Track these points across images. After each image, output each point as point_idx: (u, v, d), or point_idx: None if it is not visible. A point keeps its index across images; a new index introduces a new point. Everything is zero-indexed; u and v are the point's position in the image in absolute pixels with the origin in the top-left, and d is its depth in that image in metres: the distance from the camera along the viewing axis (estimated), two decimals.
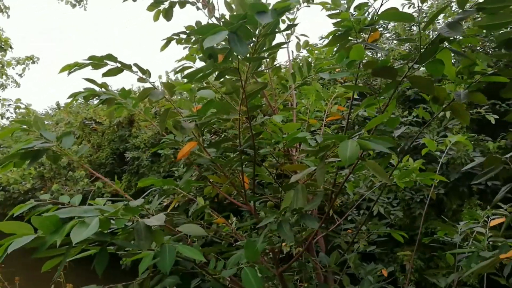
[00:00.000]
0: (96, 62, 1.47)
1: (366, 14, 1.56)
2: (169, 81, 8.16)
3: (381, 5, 1.49)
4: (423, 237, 2.84)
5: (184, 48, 2.61)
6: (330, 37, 1.48)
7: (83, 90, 1.85)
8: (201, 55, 2.50)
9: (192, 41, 2.54)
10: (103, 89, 1.87)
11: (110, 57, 1.46)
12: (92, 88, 1.84)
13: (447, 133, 4.58)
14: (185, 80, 1.42)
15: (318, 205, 1.25)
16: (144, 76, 1.56)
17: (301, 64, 2.06)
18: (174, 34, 2.48)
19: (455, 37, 1.21)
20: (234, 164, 1.62)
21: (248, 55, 1.28)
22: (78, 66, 1.49)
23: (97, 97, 1.87)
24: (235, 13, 1.41)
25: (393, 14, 1.15)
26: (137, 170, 7.35)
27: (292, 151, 2.10)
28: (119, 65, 1.49)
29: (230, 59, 1.25)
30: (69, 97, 1.88)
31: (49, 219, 0.92)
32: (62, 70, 1.49)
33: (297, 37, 2.60)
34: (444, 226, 2.13)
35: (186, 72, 2.39)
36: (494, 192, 4.60)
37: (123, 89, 1.93)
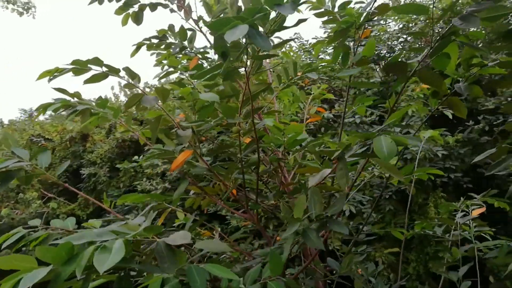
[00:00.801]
0: (79, 67, 1.31)
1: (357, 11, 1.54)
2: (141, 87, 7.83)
3: (375, 1, 1.47)
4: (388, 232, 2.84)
5: (152, 54, 2.48)
6: (329, 34, 1.43)
7: (53, 101, 1.68)
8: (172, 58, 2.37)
9: (162, 47, 2.41)
10: (75, 99, 1.70)
11: (96, 61, 1.31)
12: (64, 98, 1.66)
13: (409, 130, 4.74)
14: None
15: (340, 209, 1.19)
16: (133, 82, 1.43)
17: (287, 66, 2.00)
18: (145, 39, 2.34)
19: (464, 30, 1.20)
20: (235, 171, 1.52)
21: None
22: (59, 72, 1.33)
23: (70, 108, 1.71)
24: (240, 8, 1.32)
25: (408, 6, 1.12)
26: (94, 187, 6.94)
27: (277, 154, 2.03)
28: (105, 69, 1.35)
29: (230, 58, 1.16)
30: (37, 109, 1.70)
31: (63, 248, 0.78)
32: (41, 76, 1.32)
33: (271, 40, 2.54)
34: (443, 220, 2.14)
35: (166, 76, 2.25)
36: (456, 184, 4.82)
37: (100, 97, 1.77)
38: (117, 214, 1.66)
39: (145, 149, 6.42)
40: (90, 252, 0.78)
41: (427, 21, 5.03)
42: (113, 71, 1.36)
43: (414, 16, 5.81)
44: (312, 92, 2.83)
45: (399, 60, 1.24)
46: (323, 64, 2.32)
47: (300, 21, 1.17)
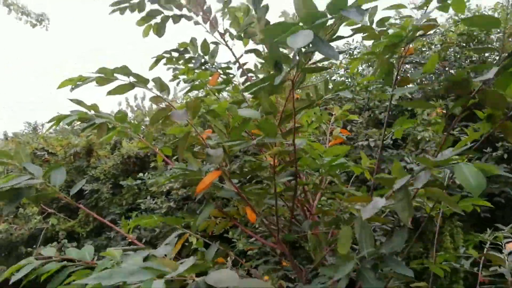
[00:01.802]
0: (104, 75, 1.19)
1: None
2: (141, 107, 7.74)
3: (428, 14, 1.36)
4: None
5: (168, 69, 2.37)
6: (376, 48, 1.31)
7: (69, 113, 1.55)
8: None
9: (181, 62, 2.31)
10: (93, 112, 1.58)
11: (124, 69, 1.18)
12: (81, 110, 1.54)
13: (425, 155, 4.58)
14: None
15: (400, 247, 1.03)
16: (161, 94, 1.30)
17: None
18: (165, 52, 2.23)
19: None
20: (268, 197, 1.38)
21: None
22: (82, 80, 1.20)
23: (87, 121, 1.58)
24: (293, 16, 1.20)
25: (478, 18, 1.00)
26: (96, 204, 6.75)
27: (301, 178, 1.88)
28: (133, 79, 1.22)
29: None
30: (51, 120, 1.58)
31: None
32: (62, 85, 1.20)
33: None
34: (489, 255, 1.97)
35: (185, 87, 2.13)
36: (471, 212, 4.63)
37: (119, 111, 1.65)
38: (134, 240, 1.50)
39: (151, 167, 6.27)
40: None
41: (443, 45, 4.96)
42: (142, 81, 1.23)
43: (428, 41, 5.75)
44: (333, 113, 2.71)
45: (463, 77, 1.11)
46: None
47: (356, 31, 1.04)
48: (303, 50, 0.95)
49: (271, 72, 0.90)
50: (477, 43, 5.63)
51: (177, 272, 0.71)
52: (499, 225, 2.65)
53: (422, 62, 1.38)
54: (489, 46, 4.60)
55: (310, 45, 0.82)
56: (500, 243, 2.47)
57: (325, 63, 1.29)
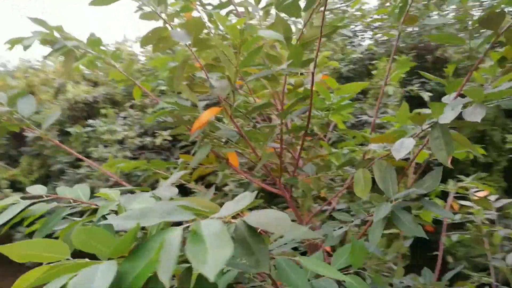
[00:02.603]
0: None
1: None
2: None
3: None
4: None
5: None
6: None
7: (31, 35, 1.30)
8: None
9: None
10: (58, 34, 1.33)
11: None
12: (44, 31, 1.29)
13: (387, 110, 4.65)
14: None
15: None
16: (155, 9, 1.08)
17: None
18: None
19: None
20: (273, 137, 1.24)
21: None
22: None
23: (51, 44, 1.33)
24: None
25: None
26: (40, 152, 6.28)
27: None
28: None
29: None
30: (7, 43, 1.32)
31: (130, 234, 0.47)
32: None
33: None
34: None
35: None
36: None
37: (92, 34, 1.40)
38: (122, 182, 1.33)
39: (102, 114, 5.87)
40: (178, 242, 0.48)
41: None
42: None
43: None
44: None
45: (499, 10, 1.02)
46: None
47: None
48: None
49: None
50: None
51: (233, 210, 0.57)
52: (461, 176, 2.74)
53: None
54: None
55: None
56: (464, 194, 2.54)
57: None
